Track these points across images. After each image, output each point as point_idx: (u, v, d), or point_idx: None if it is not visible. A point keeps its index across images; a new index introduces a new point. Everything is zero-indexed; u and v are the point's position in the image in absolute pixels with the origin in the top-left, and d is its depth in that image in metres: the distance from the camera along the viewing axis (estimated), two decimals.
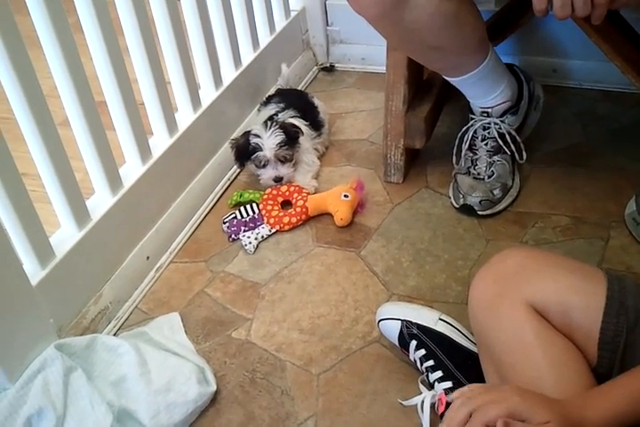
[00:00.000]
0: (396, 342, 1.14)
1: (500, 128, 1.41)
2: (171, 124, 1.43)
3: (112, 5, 1.23)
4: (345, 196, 1.45)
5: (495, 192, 1.43)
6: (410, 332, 1.11)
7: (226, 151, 1.58)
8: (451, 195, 1.49)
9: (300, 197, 1.48)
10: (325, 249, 1.41)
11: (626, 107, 1.72)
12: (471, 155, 1.46)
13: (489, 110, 1.40)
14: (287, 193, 1.50)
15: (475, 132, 1.43)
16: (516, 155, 1.45)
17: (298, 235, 1.45)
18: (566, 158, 1.57)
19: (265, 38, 1.79)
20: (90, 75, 1.18)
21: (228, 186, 1.61)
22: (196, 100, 1.51)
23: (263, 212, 1.47)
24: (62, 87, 1.15)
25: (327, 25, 1.99)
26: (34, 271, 1.12)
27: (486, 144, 1.44)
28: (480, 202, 1.41)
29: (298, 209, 1.46)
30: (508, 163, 1.45)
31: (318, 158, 1.62)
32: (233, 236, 1.44)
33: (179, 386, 1.09)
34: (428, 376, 1.08)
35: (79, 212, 1.21)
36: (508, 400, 0.73)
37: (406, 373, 1.14)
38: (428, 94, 1.52)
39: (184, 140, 1.47)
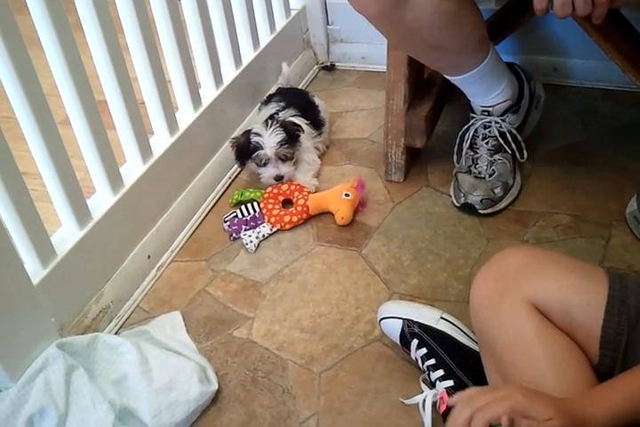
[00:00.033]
0: (398, 341, 1.14)
1: (501, 127, 1.41)
2: (171, 123, 1.43)
3: (112, 4, 1.23)
4: (346, 195, 1.45)
5: (496, 191, 1.43)
6: (411, 331, 1.11)
7: (226, 150, 1.58)
8: (452, 194, 1.49)
9: (300, 195, 1.48)
10: (326, 248, 1.41)
11: (626, 105, 1.72)
12: (472, 154, 1.46)
13: (490, 109, 1.40)
14: (288, 192, 1.50)
15: (475, 130, 1.43)
16: (517, 154, 1.45)
17: (299, 234, 1.45)
18: (567, 157, 1.57)
19: (265, 37, 1.79)
20: (90, 74, 1.18)
21: (229, 185, 1.61)
22: (196, 99, 1.51)
23: (264, 211, 1.47)
24: (63, 86, 1.15)
25: (328, 24, 1.99)
26: (35, 270, 1.12)
27: (487, 143, 1.44)
28: (481, 201, 1.41)
29: (299, 208, 1.46)
30: (508, 162, 1.45)
31: (319, 157, 1.62)
32: (234, 235, 1.44)
33: (180, 385, 1.09)
34: (429, 375, 1.08)
35: (80, 211, 1.21)
36: (510, 398, 0.73)
37: (408, 371, 1.14)
38: (429, 93, 1.52)
39: (185, 139, 1.47)
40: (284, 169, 1.51)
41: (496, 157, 1.44)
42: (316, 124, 1.63)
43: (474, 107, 1.43)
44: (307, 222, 1.47)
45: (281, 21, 1.87)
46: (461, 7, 1.19)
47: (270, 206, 1.47)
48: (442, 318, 1.12)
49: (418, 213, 1.47)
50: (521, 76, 1.45)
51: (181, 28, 1.42)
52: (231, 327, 1.26)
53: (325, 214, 1.48)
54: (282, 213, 1.46)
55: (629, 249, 1.33)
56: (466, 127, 1.45)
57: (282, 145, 1.49)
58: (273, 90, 1.76)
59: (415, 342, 1.10)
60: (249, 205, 1.48)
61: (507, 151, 1.44)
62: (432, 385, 1.08)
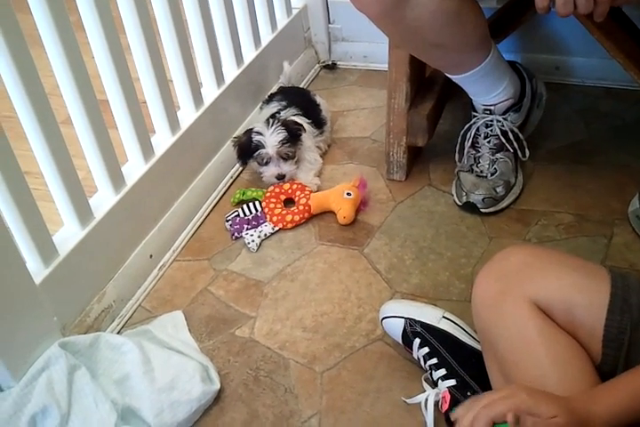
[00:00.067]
0: (400, 340, 1.14)
1: (503, 125, 1.41)
2: (173, 123, 1.43)
3: (114, 3, 1.23)
4: (347, 194, 1.45)
5: (498, 190, 1.42)
6: (413, 330, 1.11)
7: (228, 149, 1.58)
8: (453, 192, 1.49)
9: (302, 195, 1.48)
10: (328, 247, 1.41)
11: (629, 104, 1.72)
12: (474, 152, 1.46)
13: (491, 108, 1.40)
14: (290, 191, 1.50)
15: (477, 129, 1.43)
16: (519, 152, 1.44)
17: (301, 233, 1.45)
18: (569, 156, 1.57)
19: (267, 36, 1.79)
20: (92, 73, 1.18)
21: (231, 184, 1.61)
22: (198, 98, 1.51)
23: (266, 210, 1.47)
24: (64, 86, 1.15)
25: (329, 23, 1.99)
26: (37, 270, 1.12)
27: (489, 142, 1.44)
28: (483, 200, 1.41)
29: (301, 207, 1.46)
30: (510, 160, 1.45)
31: (321, 156, 1.62)
32: (236, 234, 1.44)
33: (182, 384, 1.09)
34: (431, 374, 1.08)
35: (82, 210, 1.21)
36: (514, 397, 0.73)
37: (410, 371, 1.14)
38: (431, 92, 1.52)
39: (186, 139, 1.47)
40: (286, 168, 1.51)
41: (498, 155, 1.44)
42: (318, 123, 1.63)
43: (475, 105, 1.43)
44: (308, 221, 1.47)
45: (282, 20, 1.87)
46: (463, 5, 1.19)
47: (272, 205, 1.47)
48: (444, 317, 1.12)
49: (420, 212, 1.47)
50: (523, 74, 1.45)
51: (183, 28, 1.42)
52: (233, 327, 1.26)
53: (327, 213, 1.48)
54: (284, 212, 1.46)
55: (632, 248, 1.32)
56: (468, 126, 1.45)
57: (283, 144, 1.49)
58: (274, 89, 1.76)
59: (417, 341, 1.10)
60: (251, 205, 1.48)
61: (508, 150, 1.44)
62: (434, 384, 1.08)
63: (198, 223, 1.50)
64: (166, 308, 1.31)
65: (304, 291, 1.32)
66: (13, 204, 1.05)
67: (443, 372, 1.06)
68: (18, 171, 1.05)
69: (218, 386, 1.13)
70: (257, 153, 1.50)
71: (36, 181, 1.17)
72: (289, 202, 1.51)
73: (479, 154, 1.45)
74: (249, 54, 1.72)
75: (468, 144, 1.46)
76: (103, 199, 1.28)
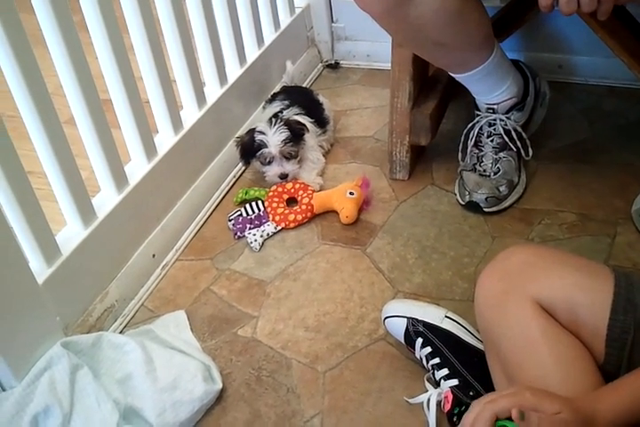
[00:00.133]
0: (402, 340, 1.14)
1: (506, 124, 1.41)
2: (176, 122, 1.43)
3: (117, 4, 1.23)
4: (350, 193, 1.45)
5: (501, 189, 1.42)
6: (416, 329, 1.11)
7: (231, 149, 1.58)
8: (456, 192, 1.48)
9: (305, 194, 1.48)
10: (331, 247, 1.41)
11: (632, 103, 1.71)
12: (477, 151, 1.45)
13: (495, 107, 1.40)
14: (292, 190, 1.50)
15: (480, 128, 1.43)
16: (522, 151, 1.44)
17: (303, 232, 1.45)
18: (572, 155, 1.57)
19: (270, 35, 1.79)
20: (95, 73, 1.18)
21: (234, 183, 1.61)
22: (201, 97, 1.51)
23: (268, 209, 1.47)
24: (67, 85, 1.15)
25: (332, 22, 1.99)
26: (40, 269, 1.13)
27: (492, 141, 1.43)
28: (486, 199, 1.41)
29: (303, 207, 1.46)
30: (513, 159, 1.45)
31: (323, 156, 1.62)
32: (238, 233, 1.44)
33: (185, 384, 1.09)
34: (433, 374, 1.08)
35: (85, 210, 1.21)
36: (518, 395, 0.73)
37: (412, 370, 1.14)
38: (434, 91, 1.52)
39: (189, 138, 1.47)
40: (289, 167, 1.51)
41: (501, 154, 1.44)
42: (321, 122, 1.63)
43: (479, 104, 1.43)
44: (311, 221, 1.47)
45: (285, 19, 1.87)
46: (466, 4, 1.19)
47: (275, 205, 1.47)
48: (446, 316, 1.12)
49: (422, 212, 1.47)
50: (526, 73, 1.45)
51: (186, 28, 1.42)
52: (236, 326, 1.26)
53: (330, 213, 1.48)
54: (286, 211, 1.46)
55: (635, 247, 1.32)
56: (471, 125, 1.45)
57: (286, 143, 1.49)
58: (277, 88, 1.76)
59: (420, 340, 1.10)
60: (253, 204, 1.48)
61: (512, 149, 1.44)
62: (436, 384, 1.08)
63: (201, 223, 1.50)
64: (169, 307, 1.31)
65: (306, 290, 1.32)
66: (16, 203, 1.05)
67: (445, 372, 1.06)
68: (21, 170, 1.05)
69: (220, 386, 1.13)
70: (260, 152, 1.50)
71: (38, 181, 1.17)
72: (291, 201, 1.51)
73: (482, 153, 1.45)
74: (252, 54, 1.72)
75: (471, 143, 1.45)
76: (106, 199, 1.28)
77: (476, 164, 1.45)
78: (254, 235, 1.42)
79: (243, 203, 1.51)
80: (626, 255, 1.31)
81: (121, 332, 1.26)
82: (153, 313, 1.30)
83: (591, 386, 0.81)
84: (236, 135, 1.58)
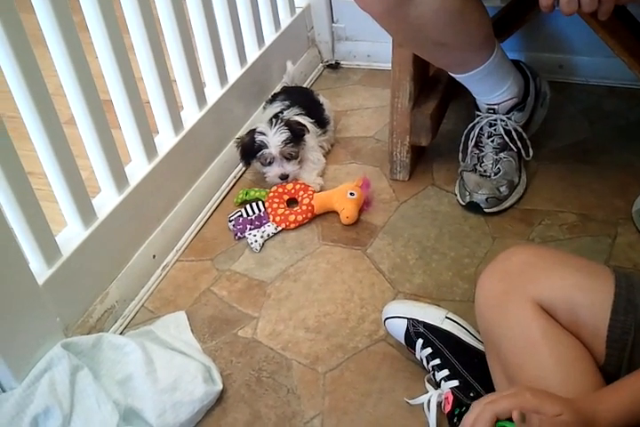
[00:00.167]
0: (403, 341, 1.14)
1: (507, 125, 1.41)
2: (176, 123, 1.43)
3: (117, 4, 1.23)
4: (351, 194, 1.45)
5: (501, 189, 1.42)
6: (416, 330, 1.11)
7: (231, 149, 1.58)
8: (457, 192, 1.48)
9: (305, 195, 1.48)
10: (331, 247, 1.41)
11: (633, 103, 1.71)
12: (477, 152, 1.45)
13: (495, 107, 1.40)
14: (293, 191, 1.50)
15: (481, 128, 1.43)
16: (523, 152, 1.44)
17: (304, 233, 1.45)
18: (573, 155, 1.56)
19: (270, 36, 1.79)
20: (95, 73, 1.18)
21: (234, 184, 1.60)
22: (201, 98, 1.51)
23: (269, 210, 1.46)
24: (68, 86, 1.15)
25: (332, 22, 1.99)
26: (40, 270, 1.12)
27: (492, 141, 1.43)
28: (486, 199, 1.41)
29: (304, 207, 1.46)
30: (514, 160, 1.45)
31: (324, 156, 1.62)
32: (239, 234, 1.44)
33: (185, 385, 1.09)
34: (434, 375, 1.08)
35: (85, 210, 1.21)
36: (519, 396, 0.73)
37: (413, 371, 1.14)
38: (434, 91, 1.52)
39: (190, 139, 1.47)
40: (289, 168, 1.51)
41: (501, 155, 1.44)
42: (321, 122, 1.63)
43: (479, 105, 1.42)
44: (312, 222, 1.47)
45: (286, 20, 1.86)
46: (466, 4, 1.19)
47: (275, 206, 1.47)
48: (447, 317, 1.12)
49: (423, 212, 1.47)
50: (526, 73, 1.45)
51: (186, 28, 1.42)
52: (236, 327, 1.26)
53: (330, 213, 1.48)
54: (287, 212, 1.46)
55: (635, 248, 1.32)
56: (471, 125, 1.45)
57: (287, 144, 1.48)
58: (278, 88, 1.76)
59: (420, 341, 1.10)
60: (254, 205, 1.48)
61: (512, 149, 1.43)
62: (437, 385, 1.08)
63: (201, 223, 1.50)
64: (169, 308, 1.31)
65: (307, 291, 1.32)
66: (17, 204, 1.05)
67: (445, 372, 1.06)
68: (21, 171, 1.05)
69: (220, 387, 1.13)
70: (260, 153, 1.49)
71: (39, 182, 1.17)
72: (292, 202, 1.51)
73: (483, 153, 1.45)
74: (252, 54, 1.72)
75: (471, 144, 1.45)
76: (106, 199, 1.28)
77: (476, 164, 1.45)
78: (255, 235, 1.42)
79: (243, 203, 1.51)
80: (626, 256, 1.31)
81: (121, 333, 1.26)
82: (153, 314, 1.30)
83: (591, 387, 0.81)
84: (237, 136, 1.58)
